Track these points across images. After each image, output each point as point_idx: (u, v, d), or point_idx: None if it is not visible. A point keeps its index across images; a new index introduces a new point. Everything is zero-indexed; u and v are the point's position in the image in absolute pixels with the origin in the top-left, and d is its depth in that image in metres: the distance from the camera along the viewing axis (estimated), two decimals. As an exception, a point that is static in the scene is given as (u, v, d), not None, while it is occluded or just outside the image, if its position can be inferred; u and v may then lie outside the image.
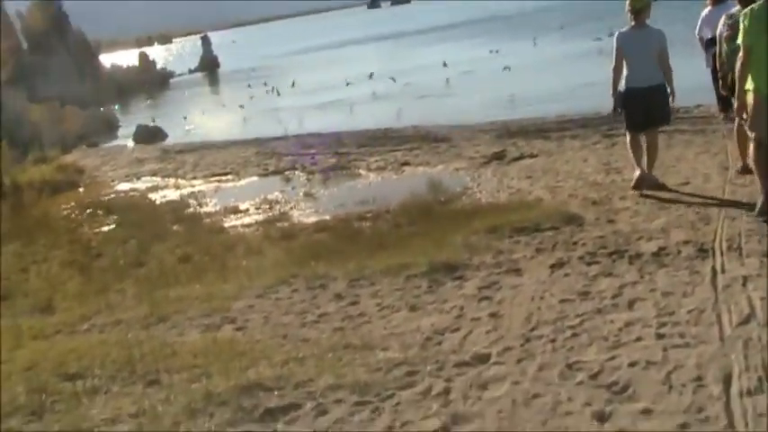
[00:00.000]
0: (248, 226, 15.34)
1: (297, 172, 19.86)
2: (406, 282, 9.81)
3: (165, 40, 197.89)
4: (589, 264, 9.50)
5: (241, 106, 44.60)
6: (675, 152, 15.27)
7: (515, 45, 54.33)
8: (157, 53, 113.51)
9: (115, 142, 37.09)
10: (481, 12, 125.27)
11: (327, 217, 15.00)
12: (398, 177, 17.46)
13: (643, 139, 12.95)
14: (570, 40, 52.90)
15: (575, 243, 10.42)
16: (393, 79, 44.16)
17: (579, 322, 7.69)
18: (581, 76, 33.09)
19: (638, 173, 12.64)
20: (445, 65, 48.04)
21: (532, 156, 17.09)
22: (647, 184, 12.53)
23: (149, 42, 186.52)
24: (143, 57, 79.71)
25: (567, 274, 9.26)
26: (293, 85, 51.58)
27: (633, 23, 12.47)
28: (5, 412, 7.56)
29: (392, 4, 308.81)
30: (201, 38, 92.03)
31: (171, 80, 79.54)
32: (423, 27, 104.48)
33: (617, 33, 12.82)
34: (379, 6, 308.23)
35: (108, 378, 8.07)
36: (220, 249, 13.70)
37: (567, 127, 19.79)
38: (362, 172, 18.52)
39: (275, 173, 20.26)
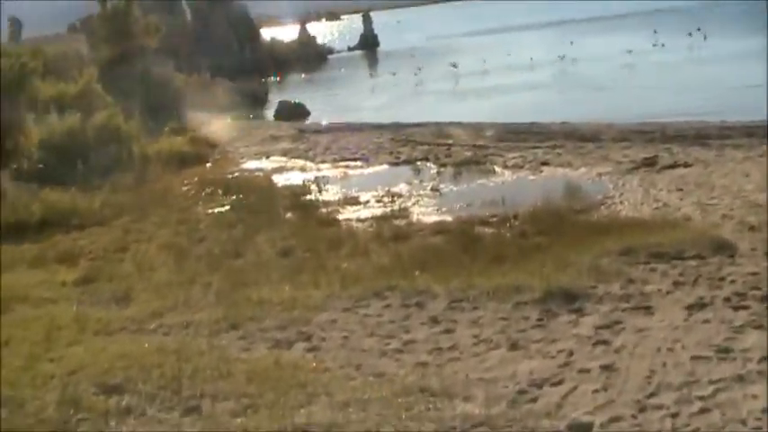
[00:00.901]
0: (363, 221, 14.10)
1: (429, 163, 18.54)
2: (514, 309, 8.38)
3: (333, 17, 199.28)
4: (736, 309, 7.85)
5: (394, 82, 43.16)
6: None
7: (681, 39, 51.04)
8: (321, 29, 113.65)
9: (260, 116, 36.53)
10: (645, 4, 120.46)
11: (449, 218, 13.65)
12: (535, 178, 15.91)
13: None
14: (739, 38, 49.40)
15: (722, 279, 8.75)
16: (558, 62, 41.91)
17: (712, 392, 6.10)
18: (751, 77, 30.52)
19: None
20: (630, 51, 45.65)
21: (687, 165, 15.26)
22: None
23: (317, 18, 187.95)
24: (303, 32, 79.64)
25: (707, 320, 7.63)
26: (455, 66, 49.61)
27: None
28: (29, 423, 6.65)
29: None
30: (363, 16, 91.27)
31: (329, 56, 79.20)
32: (586, 16, 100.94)
33: None
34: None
35: (148, 397, 6.99)
36: (325, 246, 12.47)
37: (729, 135, 17.73)
38: (497, 169, 17.04)
39: (406, 162, 18.99)
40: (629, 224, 11.66)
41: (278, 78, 61.17)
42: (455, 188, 15.90)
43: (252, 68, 62.23)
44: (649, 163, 15.66)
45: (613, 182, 14.67)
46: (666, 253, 9.72)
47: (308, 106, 35.55)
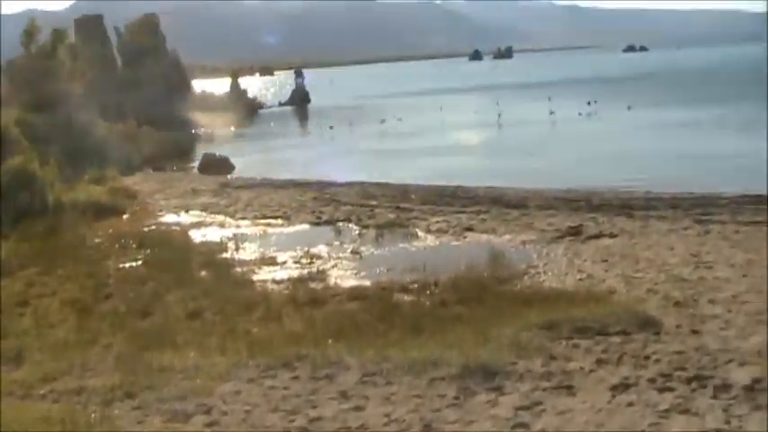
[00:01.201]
0: (279, 282, 13.55)
1: (351, 224, 18.08)
2: (430, 386, 7.90)
3: (267, 72, 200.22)
4: (661, 390, 7.52)
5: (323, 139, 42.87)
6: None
7: (611, 108, 51.94)
8: (254, 84, 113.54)
9: (185, 168, 35.77)
10: (584, 71, 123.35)
11: (367, 282, 13.15)
12: (458, 244, 15.54)
13: None
14: (670, 108, 50.45)
15: (646, 358, 8.42)
16: (489, 125, 42.02)
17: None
18: (677, 148, 30.90)
19: None
20: (552, 112, 46.59)
21: (612, 235, 15.03)
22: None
23: (251, 72, 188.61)
24: (235, 85, 79.16)
25: (631, 403, 7.27)
26: (383, 122, 49.77)
27: None
28: None
29: (494, 58, 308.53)
30: (295, 72, 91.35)
31: (260, 111, 78.85)
32: (521, 82, 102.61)
33: None
34: (480, 59, 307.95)
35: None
36: (236, 308, 11.91)
37: (654, 205, 17.62)
38: (420, 233, 16.63)
39: (328, 223, 18.50)
40: (552, 296, 11.31)
41: (208, 130, 60.45)
42: (376, 252, 15.44)
43: (182, 119, 61.51)
44: (574, 232, 15.41)
45: (537, 251, 14.35)
46: (590, 328, 9.38)
47: (234, 160, 34.93)
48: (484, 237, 15.81)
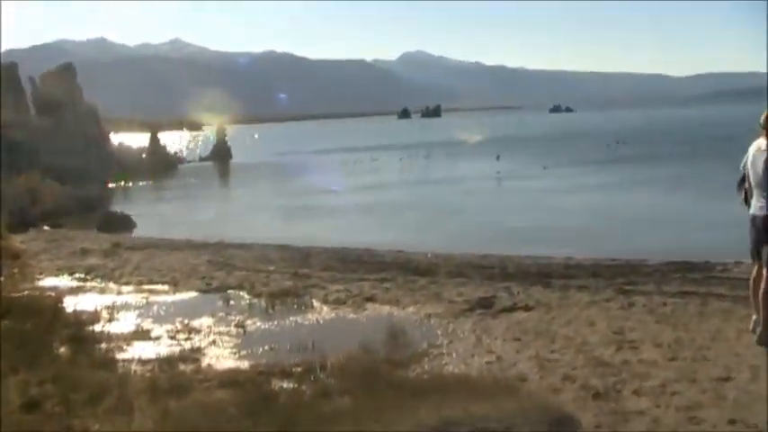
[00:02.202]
0: (144, 363, 11.67)
1: (242, 292, 16.24)
2: None
3: (195, 127, 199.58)
4: None
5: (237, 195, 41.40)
6: (709, 325, 11.72)
7: (532, 168, 51.79)
8: (179, 138, 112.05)
9: (83, 226, 33.66)
10: (511, 129, 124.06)
11: (246, 364, 11.35)
12: (355, 317, 13.81)
13: None
14: (590, 168, 50.34)
15: (558, 476, 6.78)
16: (409, 184, 41.47)
17: None
18: (598, 210, 29.94)
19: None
20: (499, 173, 48.47)
21: (527, 308, 13.46)
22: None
23: (179, 127, 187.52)
24: (154, 140, 77.20)
25: None
26: (299, 178, 48.53)
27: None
28: None
29: (422, 116, 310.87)
30: (216, 128, 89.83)
31: (180, 165, 77.05)
32: (446, 140, 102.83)
33: None
34: (409, 117, 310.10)
35: None
36: (85, 396, 10.01)
37: (574, 274, 16.16)
38: (316, 303, 14.88)
39: (217, 290, 16.64)
40: (454, 384, 9.65)
41: (121, 185, 58.49)
42: (263, 326, 13.63)
43: (96, 172, 59.63)
44: (486, 304, 13.81)
45: (443, 326, 12.70)
46: (493, 430, 7.73)
47: (139, 217, 33.04)
48: (385, 309, 14.12)
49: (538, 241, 23.02)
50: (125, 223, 31.51)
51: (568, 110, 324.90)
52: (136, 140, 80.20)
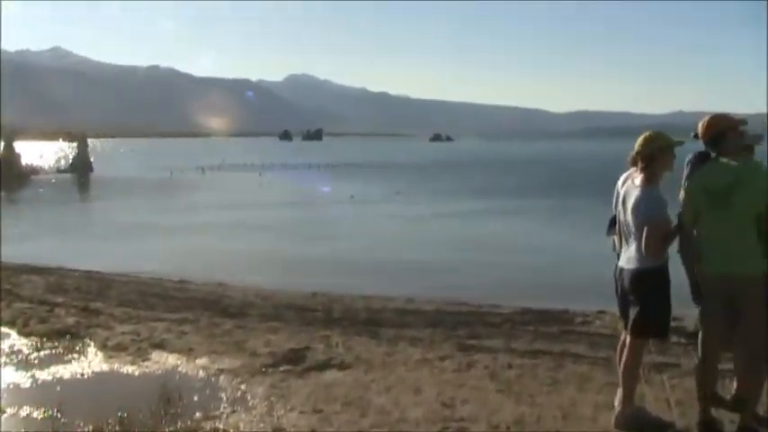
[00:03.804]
0: None
1: (13, 330, 13.22)
2: None
3: (71, 138, 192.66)
4: None
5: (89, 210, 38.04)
6: (562, 397, 9.37)
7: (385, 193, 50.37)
8: (55, 149, 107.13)
9: None
10: (382, 156, 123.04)
11: (-48, 438, 8.45)
12: (129, 371, 10.95)
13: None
14: (454, 197, 48.88)
15: None
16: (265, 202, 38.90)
17: None
18: (454, 242, 27.75)
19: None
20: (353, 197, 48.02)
21: (343, 366, 10.86)
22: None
23: (54, 137, 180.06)
24: (8, 149, 72.56)
25: None
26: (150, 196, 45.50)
27: None
28: None
29: (303, 139, 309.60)
30: (78, 139, 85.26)
31: (33, 177, 72.56)
32: (321, 161, 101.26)
33: None
34: (290, 139, 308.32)
35: None
36: None
37: (410, 322, 13.63)
38: (91, 349, 11.99)
39: (-20, 327, 13.53)
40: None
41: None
42: (15, 378, 10.68)
43: None
44: (294, 359, 11.16)
45: (232, 388, 9.99)
46: None
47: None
48: (171, 360, 11.31)
49: (380, 275, 20.64)
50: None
51: (449, 139, 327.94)
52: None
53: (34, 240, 27.88)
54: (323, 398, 9.47)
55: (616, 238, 8.54)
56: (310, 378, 10.31)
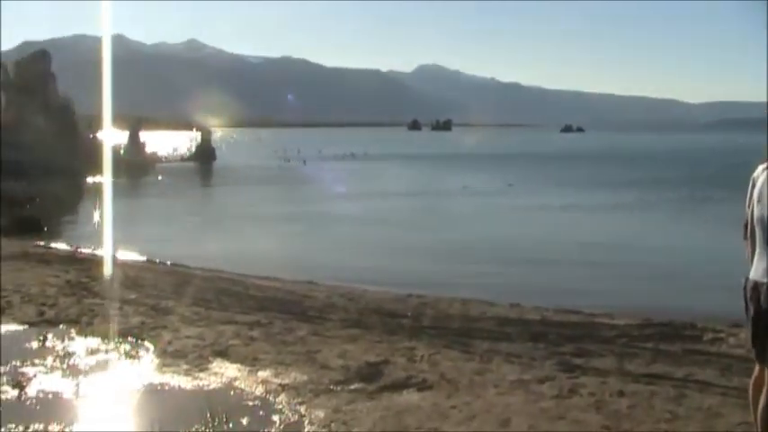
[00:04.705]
0: None
1: (73, 330, 12.13)
2: None
3: (199, 128, 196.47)
4: None
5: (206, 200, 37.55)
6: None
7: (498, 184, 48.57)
8: (181, 138, 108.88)
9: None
10: (512, 148, 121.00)
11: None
12: (180, 384, 9.62)
13: None
14: (570, 190, 46.68)
15: None
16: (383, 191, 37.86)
17: None
18: (564, 241, 25.66)
19: None
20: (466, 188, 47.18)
21: (424, 386, 9.31)
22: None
23: (181, 127, 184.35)
24: (133, 137, 73.43)
25: None
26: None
27: None
28: None
29: (432, 129, 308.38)
30: (202, 129, 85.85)
31: (158, 165, 73.28)
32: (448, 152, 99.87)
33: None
34: (419, 129, 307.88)
35: None
36: None
37: (508, 334, 11.90)
38: (148, 355, 10.76)
39: (46, 323, 12.55)
40: None
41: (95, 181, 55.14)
42: (45, 388, 9.48)
43: (64, 167, 56.45)
44: (369, 375, 9.66)
45: (291, 409, 8.57)
46: None
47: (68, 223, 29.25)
48: (231, 371, 9.94)
49: (482, 276, 18.99)
50: (33, 227, 27.60)
51: (579, 129, 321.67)
52: (120, 138, 76.55)
53: (133, 227, 27.14)
54: (391, 428, 7.94)
55: (747, 244, 6.72)
56: (382, 400, 8.79)
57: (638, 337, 11.53)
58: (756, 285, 6.23)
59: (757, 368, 6.58)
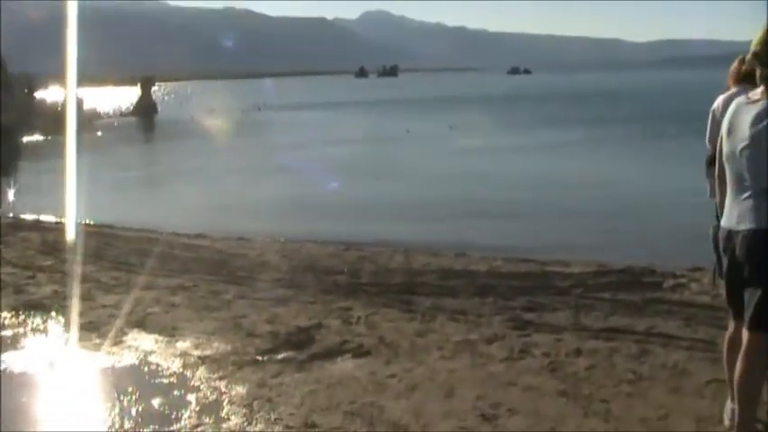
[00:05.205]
0: None
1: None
2: None
3: (149, 82, 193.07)
4: None
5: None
6: (647, 405, 6.78)
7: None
8: (114, 94, 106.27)
9: None
10: (457, 91, 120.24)
11: None
12: (86, 363, 8.60)
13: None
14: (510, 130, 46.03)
15: None
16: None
17: None
18: (516, 180, 24.81)
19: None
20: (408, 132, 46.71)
21: (359, 352, 8.38)
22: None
23: (128, 82, 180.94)
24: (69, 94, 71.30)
25: None
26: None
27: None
28: None
29: (378, 76, 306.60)
30: (141, 81, 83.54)
31: (96, 121, 71.26)
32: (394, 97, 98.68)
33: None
34: (366, 76, 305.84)
35: None
36: None
37: (453, 287, 10.88)
38: (56, 328, 9.70)
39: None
40: None
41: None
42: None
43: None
44: (300, 341, 8.71)
45: (209, 386, 7.59)
46: None
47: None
48: (146, 344, 8.90)
49: (426, 222, 18.10)
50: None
51: (526, 72, 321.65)
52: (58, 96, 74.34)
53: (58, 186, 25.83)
54: (322, 404, 7.01)
55: (713, 182, 5.84)
56: (313, 371, 7.84)
57: (595, 287, 10.63)
58: (730, 234, 5.34)
59: (732, 325, 5.72)
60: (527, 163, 31.59)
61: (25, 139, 55.06)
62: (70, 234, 15.10)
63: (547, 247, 14.48)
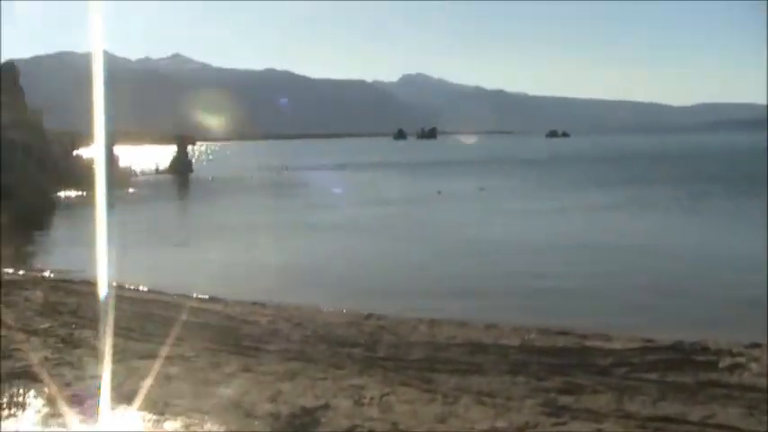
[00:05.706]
0: None
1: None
2: None
3: (189, 141, 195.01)
4: None
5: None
6: None
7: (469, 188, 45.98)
8: (147, 152, 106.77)
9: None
10: (495, 153, 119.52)
11: None
12: None
13: None
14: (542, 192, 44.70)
15: None
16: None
17: None
18: (544, 248, 23.39)
19: None
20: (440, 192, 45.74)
21: None
22: None
23: (165, 141, 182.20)
24: (108, 152, 71.35)
25: None
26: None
27: None
28: None
29: (417, 138, 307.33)
30: (177, 140, 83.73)
31: (133, 179, 71.28)
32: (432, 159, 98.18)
33: None
34: (405, 138, 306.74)
35: None
36: None
37: (480, 364, 9.77)
38: (37, 403, 8.69)
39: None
40: None
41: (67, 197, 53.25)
42: None
43: (34, 184, 54.42)
44: (302, 424, 7.63)
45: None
46: None
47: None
48: (133, 422, 7.91)
49: (454, 294, 16.82)
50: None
51: (565, 135, 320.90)
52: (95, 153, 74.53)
53: (79, 245, 24.92)
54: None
55: None
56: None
57: (640, 366, 9.41)
58: None
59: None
60: (565, 226, 30.09)
61: (62, 194, 55.02)
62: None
63: (586, 318, 13.25)
